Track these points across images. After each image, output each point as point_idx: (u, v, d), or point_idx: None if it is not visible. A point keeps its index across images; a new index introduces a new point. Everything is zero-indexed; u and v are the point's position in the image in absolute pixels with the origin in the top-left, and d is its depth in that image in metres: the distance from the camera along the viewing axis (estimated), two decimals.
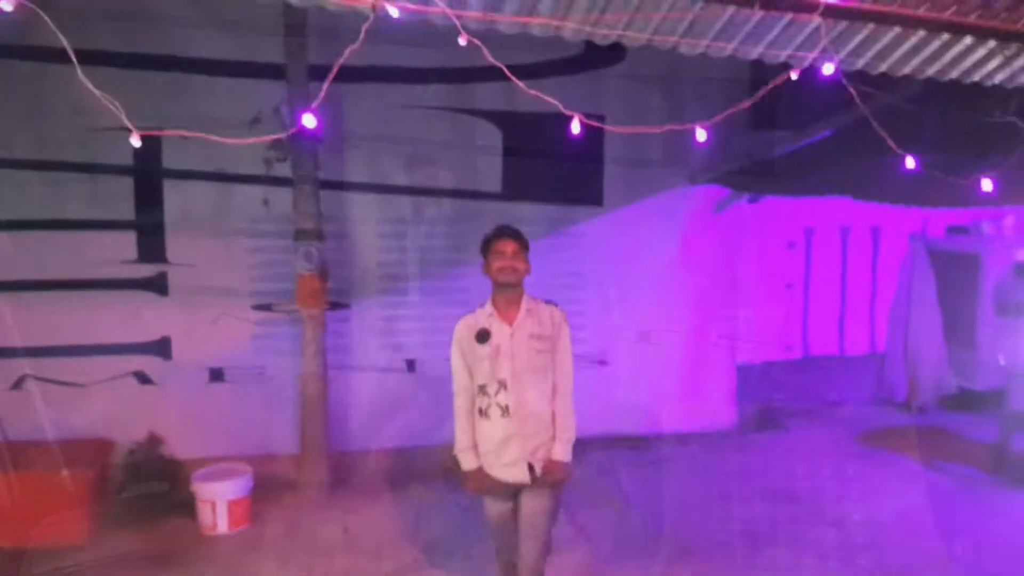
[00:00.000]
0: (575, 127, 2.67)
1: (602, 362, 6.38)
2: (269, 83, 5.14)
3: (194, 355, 5.45)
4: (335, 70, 2.39)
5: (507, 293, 3.18)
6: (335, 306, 5.56)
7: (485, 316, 3.21)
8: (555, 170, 6.10)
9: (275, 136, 4.18)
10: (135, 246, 5.32)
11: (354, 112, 5.55)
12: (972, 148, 3.65)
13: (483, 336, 3.16)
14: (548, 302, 3.29)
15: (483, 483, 3.22)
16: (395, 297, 5.85)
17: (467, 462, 3.24)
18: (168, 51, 5.21)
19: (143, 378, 5.39)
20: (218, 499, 4.78)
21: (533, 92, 2.70)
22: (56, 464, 4.66)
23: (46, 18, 2.26)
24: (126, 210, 5.29)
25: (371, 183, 5.75)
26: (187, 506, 4.93)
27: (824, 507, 5.23)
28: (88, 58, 2.34)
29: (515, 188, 6.03)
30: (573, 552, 4.56)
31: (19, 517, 4.52)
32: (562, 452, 3.19)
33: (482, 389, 3.18)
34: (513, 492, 3.23)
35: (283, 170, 5.17)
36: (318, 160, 5.11)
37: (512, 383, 3.14)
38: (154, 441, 5.33)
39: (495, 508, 3.29)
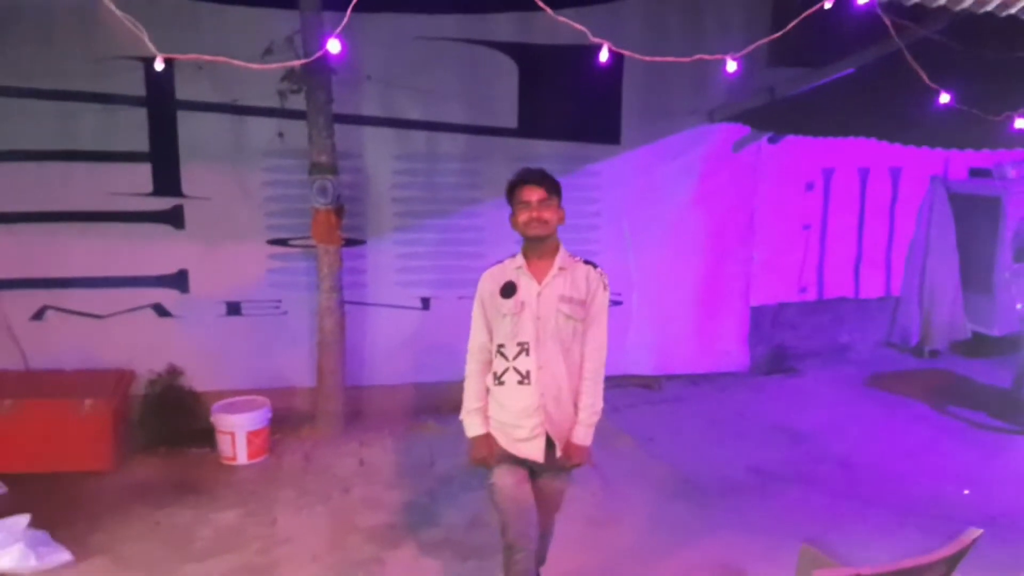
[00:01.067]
0: (603, 55, 2.59)
1: (616, 302, 6.38)
2: (281, 12, 5.03)
3: (211, 289, 5.48)
4: None
5: (538, 246, 2.83)
6: (350, 242, 5.56)
7: (513, 268, 2.87)
8: (572, 107, 5.99)
9: (291, 63, 4.15)
10: (150, 179, 5.30)
11: (368, 43, 5.45)
12: (1004, 85, 3.55)
13: (509, 290, 2.82)
14: (588, 262, 2.91)
15: (491, 451, 2.89)
16: (410, 234, 5.83)
17: (472, 427, 2.92)
18: None
19: (161, 311, 5.44)
20: (237, 430, 4.87)
21: (561, 19, 2.59)
22: (79, 393, 4.75)
23: None
24: (140, 142, 5.25)
25: (385, 117, 5.67)
26: (207, 437, 5.04)
27: (833, 447, 5.29)
28: None
29: (531, 124, 5.94)
30: (586, 486, 4.64)
31: (44, 444, 4.63)
32: (584, 435, 2.87)
33: (500, 351, 2.84)
34: (527, 467, 2.92)
35: (297, 103, 5.10)
36: (332, 93, 5.04)
37: (535, 348, 2.79)
38: (174, 373, 5.40)
39: (509, 479, 2.87)
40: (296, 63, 3.75)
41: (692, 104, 6.20)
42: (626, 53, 2.66)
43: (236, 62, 2.35)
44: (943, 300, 7.27)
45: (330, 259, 5.17)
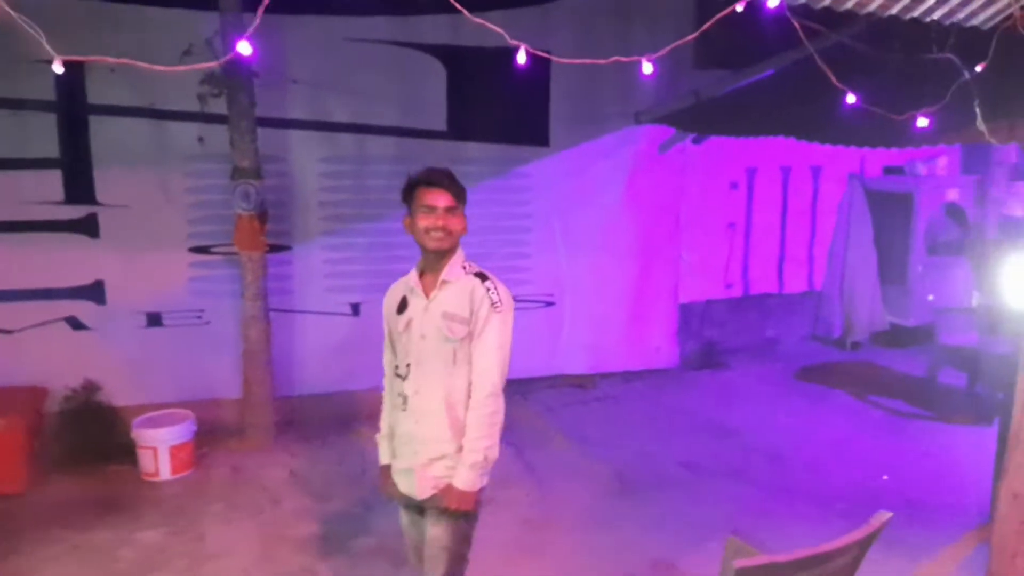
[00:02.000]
0: (521, 57, 2.57)
1: (548, 303, 6.41)
2: (201, 13, 4.89)
3: (130, 299, 5.27)
4: None
5: (437, 259, 2.49)
6: (275, 248, 5.44)
7: (408, 282, 2.57)
8: (501, 109, 6.01)
9: (208, 65, 4.03)
10: (61, 186, 5.07)
11: (293, 46, 5.35)
12: (910, 86, 3.71)
13: (402, 306, 2.54)
14: (480, 274, 2.48)
15: (385, 484, 2.65)
16: (338, 238, 5.74)
17: (381, 454, 2.66)
18: None
19: (76, 324, 5.21)
20: (160, 445, 4.71)
21: (478, 20, 2.58)
22: None
23: None
24: (50, 148, 5.02)
25: (312, 120, 5.57)
26: (127, 453, 4.86)
27: (762, 440, 5.43)
28: None
29: (460, 127, 5.93)
30: (520, 487, 4.65)
31: None
32: (464, 479, 2.41)
33: (396, 372, 2.58)
34: (417, 506, 2.59)
35: (218, 107, 4.97)
36: (254, 96, 4.93)
37: (414, 370, 2.48)
38: (91, 388, 5.18)
39: (404, 519, 2.68)
40: (212, 64, 3.63)
41: (619, 106, 6.28)
42: (543, 55, 2.66)
43: (143, 64, 2.25)
44: (863, 293, 7.54)
45: (254, 266, 5.05)
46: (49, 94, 4.96)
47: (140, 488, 4.67)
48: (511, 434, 5.44)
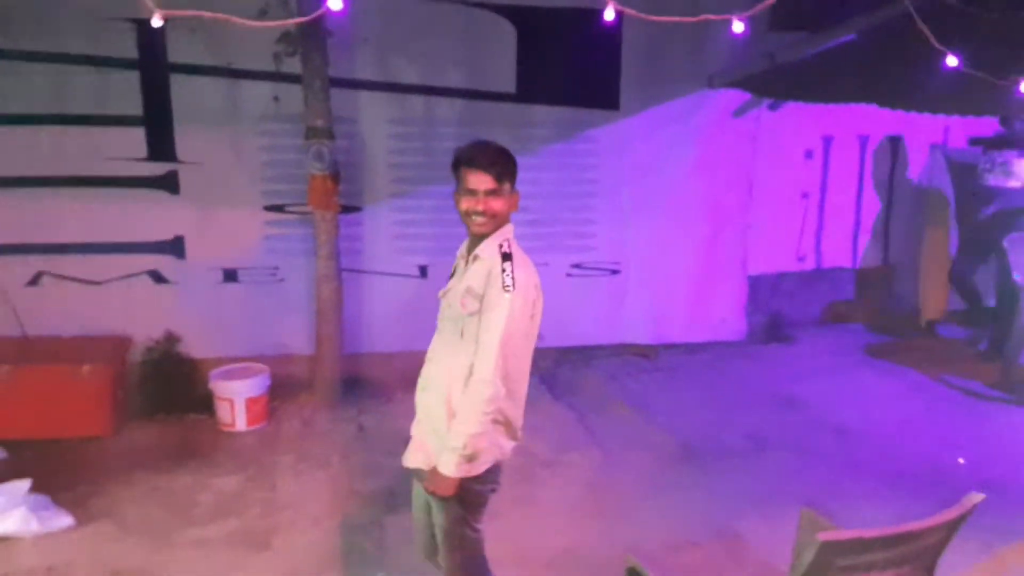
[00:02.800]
0: (608, 14, 2.51)
1: (614, 271, 6.37)
2: None
3: (208, 255, 5.44)
4: None
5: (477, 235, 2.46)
6: (347, 209, 5.51)
7: (461, 250, 2.56)
8: (571, 71, 5.92)
9: (288, 22, 4.09)
10: (144, 143, 5.24)
11: (364, 5, 5.34)
12: (1010, 49, 3.51)
13: (452, 273, 2.56)
14: (507, 257, 2.35)
15: None
16: (407, 200, 5.79)
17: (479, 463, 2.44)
18: None
19: (158, 277, 5.41)
20: (236, 397, 4.88)
21: None
22: (77, 359, 4.74)
23: None
24: (134, 106, 5.18)
25: (381, 81, 5.60)
26: (205, 403, 5.05)
27: (830, 415, 5.32)
28: None
29: (529, 89, 5.87)
30: (584, 452, 4.68)
31: (43, 410, 4.63)
32: (444, 461, 2.32)
33: None
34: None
35: (293, 66, 5.03)
36: (327, 56, 4.97)
37: (436, 337, 2.54)
38: (171, 339, 5.38)
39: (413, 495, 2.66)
40: (293, 21, 3.66)
41: (692, 70, 6.13)
42: (631, 12, 2.60)
43: (235, 19, 2.30)
44: (940, 269, 7.27)
45: (327, 226, 5.13)
46: (132, 52, 5.09)
47: (217, 437, 4.86)
48: (573, 399, 5.49)
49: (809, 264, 7.19)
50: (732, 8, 4.57)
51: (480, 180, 2.35)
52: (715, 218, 6.52)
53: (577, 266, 6.28)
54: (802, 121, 6.72)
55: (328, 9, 2.31)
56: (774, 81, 5.79)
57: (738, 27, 2.63)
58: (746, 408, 5.46)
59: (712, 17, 2.73)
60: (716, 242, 6.58)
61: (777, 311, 7.07)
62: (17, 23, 4.90)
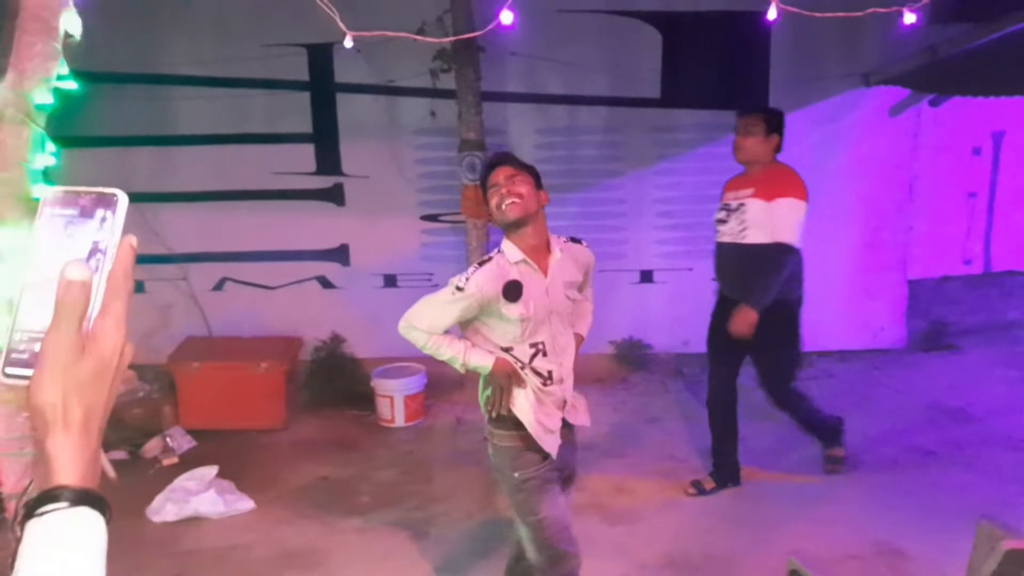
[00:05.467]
0: (771, 13, 2.52)
1: None
2: None
3: (370, 262, 5.83)
4: None
5: (527, 232, 2.51)
6: None
7: (512, 264, 2.50)
8: (717, 74, 5.87)
9: (446, 39, 4.33)
10: (314, 159, 5.68)
11: (514, 20, 5.55)
12: None
13: (514, 291, 2.46)
14: (573, 239, 2.72)
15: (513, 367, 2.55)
16: (552, 208, 5.83)
17: (479, 357, 2.54)
18: None
19: (325, 282, 5.84)
20: (396, 394, 5.18)
21: None
22: (255, 357, 5.20)
23: None
24: (304, 124, 5.63)
25: (528, 92, 5.78)
26: (368, 400, 5.38)
27: (1000, 428, 4.98)
28: None
29: (674, 94, 5.87)
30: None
31: (226, 403, 5.11)
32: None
33: (508, 352, 2.55)
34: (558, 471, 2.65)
35: (447, 82, 5.29)
36: (480, 71, 5.19)
37: (552, 346, 2.57)
38: (337, 340, 5.79)
39: (559, 506, 2.63)
40: (451, 39, 3.89)
41: (845, 68, 5.91)
42: (793, 10, 2.57)
43: (410, 35, 2.51)
44: None
45: (478, 233, 5.35)
46: (303, 75, 5.54)
47: (378, 432, 5.18)
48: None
49: (977, 268, 6.73)
50: (892, 3, 4.41)
51: (500, 173, 2.52)
52: (872, 220, 6.24)
53: None
54: (968, 117, 6.31)
55: (500, 24, 2.46)
56: (936, 76, 5.48)
57: (910, 18, 2.58)
58: (908, 419, 5.20)
59: (880, 10, 2.66)
60: (873, 245, 6.30)
61: (940, 318, 6.66)
62: (204, 52, 5.45)
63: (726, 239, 4.14)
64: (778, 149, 4.15)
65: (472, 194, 5.24)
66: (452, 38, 3.87)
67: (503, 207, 2.48)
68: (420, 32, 5.10)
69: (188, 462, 4.59)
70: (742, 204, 4.06)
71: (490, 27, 2.65)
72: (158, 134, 5.62)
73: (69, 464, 0.68)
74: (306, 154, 5.67)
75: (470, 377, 5.45)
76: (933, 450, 4.70)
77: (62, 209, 0.71)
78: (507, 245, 2.55)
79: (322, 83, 5.56)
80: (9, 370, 0.69)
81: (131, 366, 0.73)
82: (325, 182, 5.71)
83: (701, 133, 5.95)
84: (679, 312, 6.08)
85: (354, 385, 5.57)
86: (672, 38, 5.78)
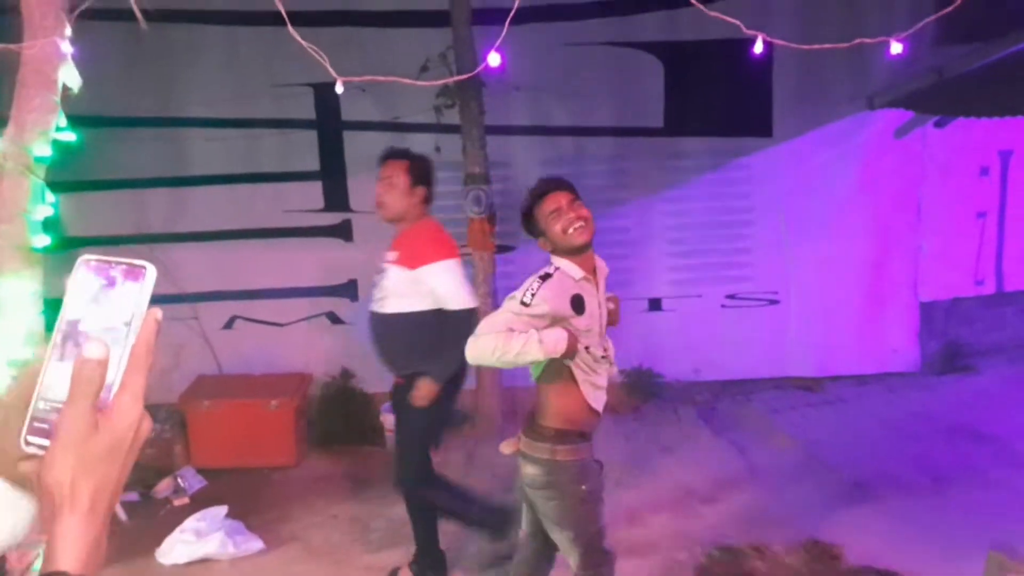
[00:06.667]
0: (758, 47, 2.55)
1: (772, 300, 6.21)
2: (434, 30, 5.30)
3: None
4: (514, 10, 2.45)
5: (588, 253, 2.68)
6: (502, 248, 5.75)
7: (574, 280, 2.63)
8: (720, 101, 5.91)
9: (448, 80, 4.40)
10: (321, 196, 5.75)
11: (516, 54, 5.59)
12: None
13: (579, 305, 2.60)
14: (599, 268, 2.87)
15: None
16: None
17: (548, 335, 2.48)
18: (339, 7, 5.48)
19: (334, 318, 5.87)
20: None
21: (714, 14, 2.59)
22: (265, 394, 5.21)
23: None
24: (312, 162, 5.71)
25: (532, 125, 5.84)
26: (377, 435, 5.38)
27: (1020, 451, 4.90)
28: (266, 19, 2.50)
29: (678, 122, 5.91)
30: (745, 488, 4.57)
31: (237, 441, 5.11)
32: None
33: (587, 362, 2.68)
34: None
35: (452, 117, 5.36)
36: (483, 106, 5.25)
37: (607, 353, 2.76)
38: (346, 375, 5.80)
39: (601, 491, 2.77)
40: (453, 79, 3.94)
41: (849, 91, 5.93)
42: (781, 43, 2.61)
43: (406, 80, 2.55)
44: None
45: (484, 265, 5.38)
46: (310, 113, 5.62)
47: (387, 468, 5.11)
48: (734, 434, 5.38)
49: (989, 288, 6.66)
50: (895, 21, 4.43)
51: (560, 198, 2.63)
52: (881, 242, 6.22)
53: (732, 297, 6.18)
54: (974, 137, 6.30)
55: (487, 66, 2.50)
56: (941, 97, 5.49)
57: (896, 48, 2.58)
58: (924, 442, 5.13)
59: (868, 41, 2.68)
60: (883, 267, 6.26)
61: (954, 339, 6.59)
62: (216, 94, 5.55)
63: (372, 306, 3.73)
64: (427, 201, 3.66)
65: (478, 226, 5.28)
66: (448, 79, 3.91)
67: (570, 232, 2.58)
68: (424, 70, 5.20)
69: (199, 502, 4.59)
70: (387, 269, 3.61)
71: (478, 69, 2.70)
72: (171, 175, 5.70)
73: (71, 549, 0.67)
74: (314, 191, 5.74)
75: (479, 412, 5.50)
76: (949, 473, 4.62)
77: (92, 276, 0.72)
78: (565, 263, 2.64)
79: (329, 121, 5.64)
80: (31, 438, 0.70)
81: (144, 405, 0.74)
82: (333, 218, 5.77)
83: (706, 160, 5.98)
84: (689, 339, 6.06)
85: (365, 420, 5.56)
86: (674, 67, 5.84)
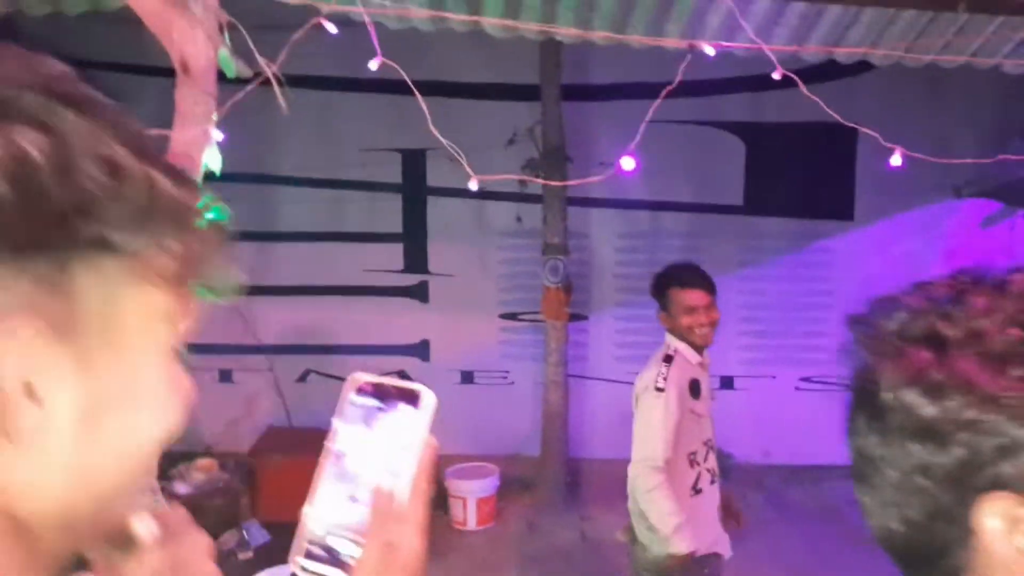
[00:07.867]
0: (895, 160, 2.59)
1: (848, 386, 6.03)
2: (523, 104, 5.44)
3: (449, 358, 5.91)
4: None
5: (706, 348, 2.82)
6: (574, 317, 5.76)
7: (695, 364, 2.74)
8: (801, 182, 5.89)
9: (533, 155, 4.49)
10: (402, 257, 5.88)
11: (601, 129, 5.72)
12: None
13: (696, 389, 2.70)
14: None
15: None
16: (630, 310, 5.92)
17: (684, 542, 2.57)
18: (433, 77, 5.66)
19: (405, 377, 5.91)
20: (469, 496, 5.14)
21: (814, 97, 2.62)
22: None
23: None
24: (395, 224, 5.86)
25: (612, 198, 5.89)
26: (440, 500, 5.35)
27: None
28: (364, 86, 2.55)
29: (758, 201, 5.90)
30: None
31: (302, 497, 5.13)
32: None
33: (692, 458, 2.70)
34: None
35: (534, 188, 5.45)
36: (567, 178, 5.33)
37: (712, 442, 2.80)
38: None
39: None
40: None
41: (934, 179, 5.81)
42: (918, 156, 2.63)
43: (496, 176, 2.59)
44: None
45: (557, 334, 5.39)
46: (397, 177, 5.80)
47: (451, 535, 5.13)
48: (806, 525, 5.19)
49: None
50: (979, 114, 4.34)
51: (698, 297, 2.70)
52: None
53: (807, 379, 6.04)
54: None
55: (619, 168, 2.57)
56: None
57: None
58: None
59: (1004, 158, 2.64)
60: None
61: None
62: (308, 155, 5.77)
63: None
64: None
65: (554, 295, 5.31)
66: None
67: (697, 332, 2.70)
68: (510, 143, 5.33)
69: (262, 557, 4.61)
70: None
71: (608, 174, 2.79)
72: (260, 230, 5.91)
73: None
74: (395, 253, 5.88)
75: (543, 481, 5.44)
76: None
77: (365, 398, 0.69)
78: (683, 347, 2.74)
79: (414, 186, 5.80)
80: (306, 563, 0.67)
81: (214, 454, 0.70)
82: (411, 279, 5.88)
83: (785, 241, 5.93)
84: (761, 421, 5.93)
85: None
86: (756, 146, 5.85)
